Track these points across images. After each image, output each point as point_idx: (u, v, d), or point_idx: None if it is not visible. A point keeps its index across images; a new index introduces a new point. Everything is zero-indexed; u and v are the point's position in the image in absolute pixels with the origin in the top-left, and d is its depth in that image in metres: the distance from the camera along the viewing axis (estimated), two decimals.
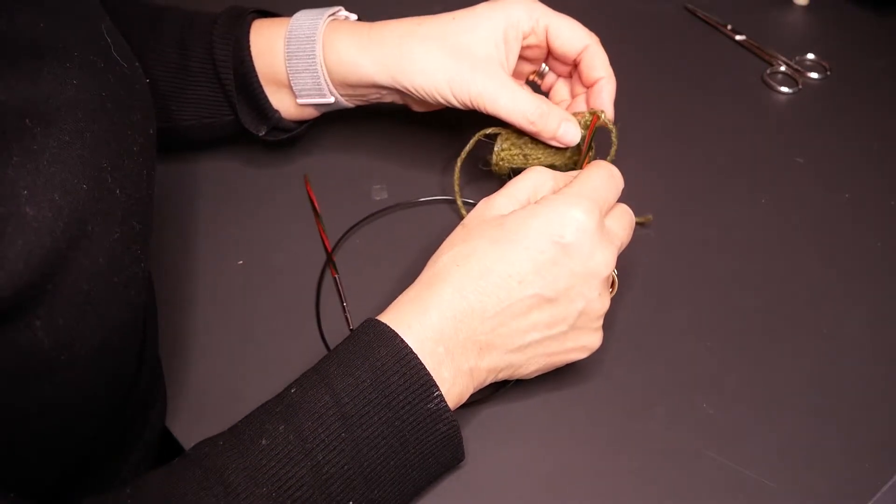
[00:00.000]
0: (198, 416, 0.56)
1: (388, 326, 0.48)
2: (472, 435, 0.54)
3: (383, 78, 0.62)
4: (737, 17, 0.84)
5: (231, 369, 0.58)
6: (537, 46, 0.64)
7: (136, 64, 0.49)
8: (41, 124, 0.39)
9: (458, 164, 0.63)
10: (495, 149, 0.62)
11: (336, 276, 0.63)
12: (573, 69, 0.66)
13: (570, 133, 0.61)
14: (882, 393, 0.57)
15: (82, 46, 0.44)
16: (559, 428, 0.55)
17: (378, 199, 0.68)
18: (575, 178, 0.54)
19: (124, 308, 0.44)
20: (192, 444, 0.47)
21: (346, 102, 0.66)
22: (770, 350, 0.59)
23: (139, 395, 0.52)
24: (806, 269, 0.64)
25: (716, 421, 0.55)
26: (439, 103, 0.62)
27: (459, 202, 0.65)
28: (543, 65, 0.67)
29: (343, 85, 0.64)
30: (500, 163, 0.62)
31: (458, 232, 0.53)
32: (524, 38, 0.63)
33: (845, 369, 0.58)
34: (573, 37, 0.63)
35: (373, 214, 0.67)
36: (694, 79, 0.79)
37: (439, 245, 0.53)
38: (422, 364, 0.47)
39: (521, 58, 0.65)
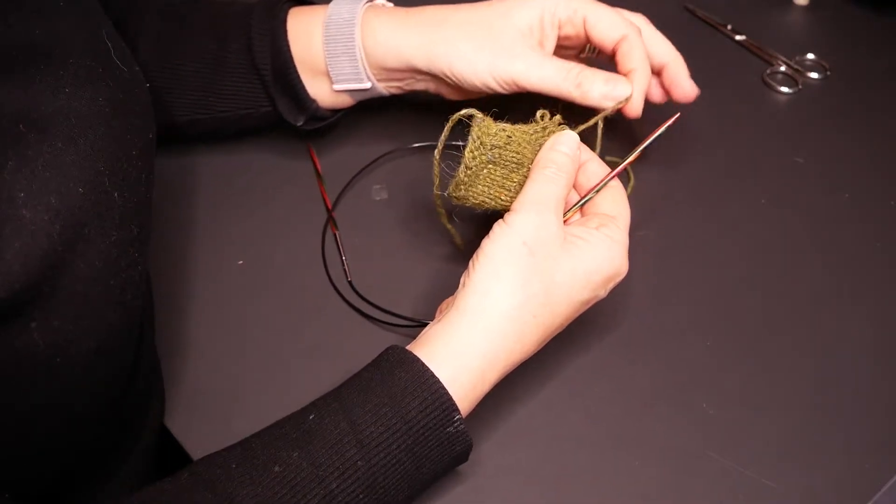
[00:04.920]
0: (196, 416, 0.56)
1: (411, 352, 0.48)
2: (473, 435, 0.54)
3: (421, 62, 0.62)
4: (737, 17, 0.84)
5: (230, 369, 0.58)
6: (575, 36, 0.64)
7: (137, 68, 0.49)
8: (35, 130, 0.39)
9: (437, 155, 0.57)
10: (474, 127, 0.55)
11: (336, 232, 0.64)
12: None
13: (620, 87, 0.60)
14: (882, 393, 0.57)
15: (80, 51, 0.44)
16: (559, 427, 0.55)
17: (378, 199, 0.68)
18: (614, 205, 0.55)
19: (120, 311, 0.44)
20: (192, 441, 0.46)
21: (383, 89, 0.66)
22: (770, 350, 0.59)
23: (136, 396, 0.52)
24: (806, 268, 0.64)
25: (716, 421, 0.55)
26: (477, 88, 0.62)
27: (440, 206, 0.59)
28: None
29: (380, 69, 0.64)
30: (483, 137, 0.55)
31: (527, 261, 0.50)
32: (560, 28, 0.63)
33: (845, 369, 0.58)
34: (611, 26, 0.62)
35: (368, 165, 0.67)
36: (694, 79, 0.78)
37: None
38: (444, 388, 0.47)
39: (560, 47, 0.65)
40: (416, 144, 0.71)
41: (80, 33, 0.45)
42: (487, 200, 0.56)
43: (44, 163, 0.39)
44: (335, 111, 0.68)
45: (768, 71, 0.79)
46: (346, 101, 0.67)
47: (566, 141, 0.55)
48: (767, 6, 0.86)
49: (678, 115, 0.56)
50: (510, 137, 0.55)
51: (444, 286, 0.62)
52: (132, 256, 0.45)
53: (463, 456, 0.50)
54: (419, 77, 0.64)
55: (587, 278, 0.52)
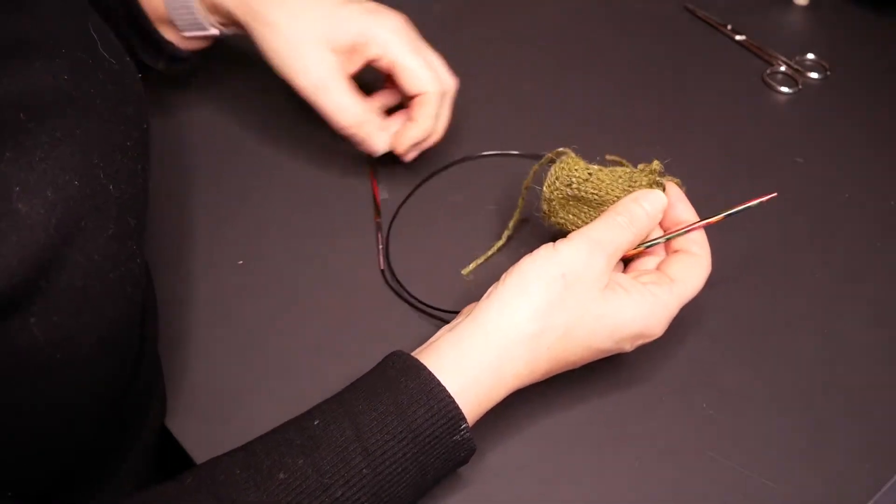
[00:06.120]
0: (197, 416, 0.56)
1: (417, 360, 0.48)
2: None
3: (239, 12, 0.63)
4: (737, 17, 0.84)
5: (230, 369, 0.58)
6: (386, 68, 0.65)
7: (127, 59, 0.49)
8: (34, 120, 0.39)
9: (524, 189, 0.62)
10: (556, 164, 0.58)
11: (379, 219, 0.65)
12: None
13: (380, 144, 0.65)
14: (882, 393, 0.56)
15: (70, 44, 0.44)
16: (559, 428, 0.55)
17: (378, 198, 0.68)
18: (682, 264, 0.54)
19: (120, 304, 0.44)
20: (192, 441, 0.46)
21: (231, 34, 0.68)
22: (770, 350, 0.59)
23: (137, 393, 0.52)
24: (806, 269, 0.64)
25: (716, 421, 0.55)
26: (265, 60, 0.64)
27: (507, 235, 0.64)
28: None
29: (215, 14, 0.66)
30: (558, 173, 0.57)
31: (559, 292, 0.49)
32: (372, 61, 0.64)
33: (845, 369, 0.58)
34: (416, 84, 0.64)
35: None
36: (694, 79, 0.79)
37: None
38: (451, 398, 0.47)
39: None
40: (486, 153, 0.72)
41: (67, 26, 0.45)
42: (569, 227, 0.58)
43: (41, 154, 0.39)
44: (196, 52, 0.70)
45: (768, 71, 0.79)
46: (201, 43, 0.70)
47: (652, 199, 0.54)
48: (767, 6, 0.86)
49: (775, 194, 0.54)
50: (590, 174, 0.56)
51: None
52: (130, 249, 0.45)
53: (465, 459, 0.50)
54: (240, 29, 0.66)
55: (614, 328, 0.50)
